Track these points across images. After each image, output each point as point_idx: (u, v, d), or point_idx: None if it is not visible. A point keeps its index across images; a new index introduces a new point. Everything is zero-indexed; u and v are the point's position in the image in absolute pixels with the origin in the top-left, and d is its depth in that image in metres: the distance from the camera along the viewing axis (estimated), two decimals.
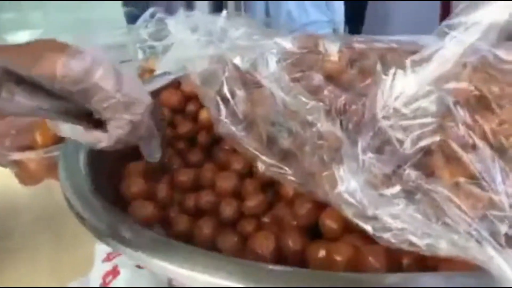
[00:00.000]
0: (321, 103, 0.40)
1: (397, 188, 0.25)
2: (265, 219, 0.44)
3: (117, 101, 0.33)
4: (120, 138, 0.36)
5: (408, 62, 0.25)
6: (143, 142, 0.42)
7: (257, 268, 0.27)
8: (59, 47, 0.32)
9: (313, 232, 0.39)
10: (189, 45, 0.56)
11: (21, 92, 0.31)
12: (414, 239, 0.24)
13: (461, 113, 0.21)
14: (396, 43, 0.49)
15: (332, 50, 0.47)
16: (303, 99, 0.41)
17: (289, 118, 0.40)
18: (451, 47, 0.22)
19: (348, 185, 0.27)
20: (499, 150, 0.24)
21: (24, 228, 0.55)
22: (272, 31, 0.55)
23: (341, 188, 0.28)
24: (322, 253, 0.33)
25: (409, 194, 0.25)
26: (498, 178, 0.23)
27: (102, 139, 0.36)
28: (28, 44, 0.33)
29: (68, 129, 0.37)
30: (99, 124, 0.37)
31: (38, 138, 0.60)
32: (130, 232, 0.29)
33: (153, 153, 0.43)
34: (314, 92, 0.43)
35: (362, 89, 0.43)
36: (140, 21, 0.63)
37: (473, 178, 0.22)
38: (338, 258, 0.31)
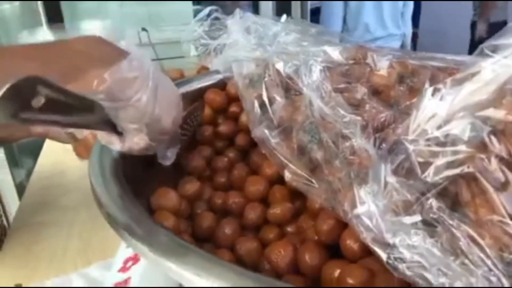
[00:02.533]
0: (359, 117, 0.38)
1: (417, 217, 0.23)
2: (289, 229, 0.43)
3: (143, 123, 0.34)
4: (132, 149, 0.37)
5: (449, 81, 0.23)
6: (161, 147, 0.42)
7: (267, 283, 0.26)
8: (104, 57, 0.32)
9: (336, 250, 0.37)
10: (239, 46, 0.57)
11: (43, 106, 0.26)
12: (428, 275, 0.22)
13: (496, 145, 0.19)
14: (455, 63, 0.46)
15: (382, 64, 0.45)
16: (341, 111, 0.39)
17: (324, 129, 0.39)
18: (495, 70, 0.20)
19: (367, 208, 0.26)
20: None
21: (65, 205, 0.58)
22: (324, 40, 0.53)
23: (359, 210, 0.26)
24: (336, 273, 0.32)
25: (429, 225, 0.23)
26: None
27: (116, 144, 0.37)
28: (78, 52, 0.33)
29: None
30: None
31: None
32: (144, 229, 0.30)
33: (167, 158, 0.44)
34: (356, 105, 0.42)
35: (406, 108, 0.41)
36: (196, 18, 0.64)
37: (502, 219, 0.20)
38: (350, 281, 0.29)
